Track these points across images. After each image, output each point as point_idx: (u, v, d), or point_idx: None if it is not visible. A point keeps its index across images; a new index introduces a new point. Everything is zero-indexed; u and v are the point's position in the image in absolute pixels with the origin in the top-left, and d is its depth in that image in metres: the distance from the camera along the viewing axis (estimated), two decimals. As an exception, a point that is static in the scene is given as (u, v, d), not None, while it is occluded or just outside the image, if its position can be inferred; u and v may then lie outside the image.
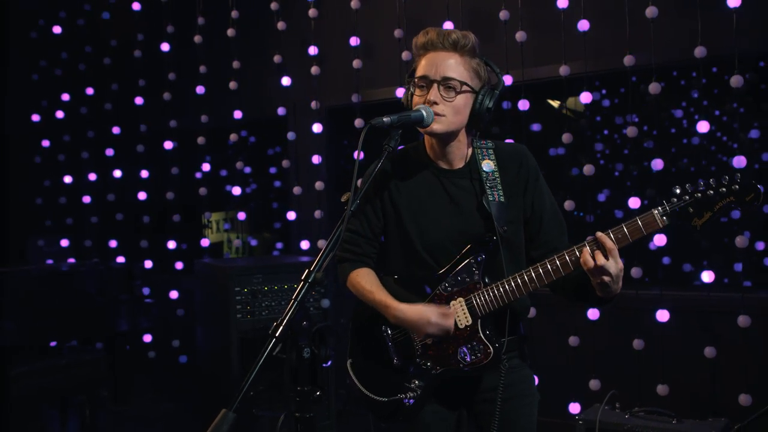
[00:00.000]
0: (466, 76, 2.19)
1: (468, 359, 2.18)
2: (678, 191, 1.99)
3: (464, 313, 2.19)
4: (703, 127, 3.98)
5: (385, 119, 2.03)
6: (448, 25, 4.70)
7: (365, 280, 2.33)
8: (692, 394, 4.16)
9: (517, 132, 4.58)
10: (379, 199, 2.35)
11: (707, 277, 3.96)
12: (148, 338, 6.11)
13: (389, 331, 2.30)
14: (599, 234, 2.02)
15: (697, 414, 3.75)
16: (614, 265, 1.99)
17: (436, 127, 2.17)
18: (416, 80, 2.21)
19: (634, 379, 4.13)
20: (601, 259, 1.98)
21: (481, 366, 2.17)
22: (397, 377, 2.27)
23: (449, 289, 2.22)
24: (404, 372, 2.26)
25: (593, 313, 4.21)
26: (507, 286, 2.14)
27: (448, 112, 2.17)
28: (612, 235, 2.01)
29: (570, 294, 2.24)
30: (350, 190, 1.91)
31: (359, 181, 2.10)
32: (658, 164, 4.07)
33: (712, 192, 1.96)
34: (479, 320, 2.18)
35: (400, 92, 4.95)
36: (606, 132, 5.10)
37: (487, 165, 2.26)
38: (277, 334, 1.68)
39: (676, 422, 3.64)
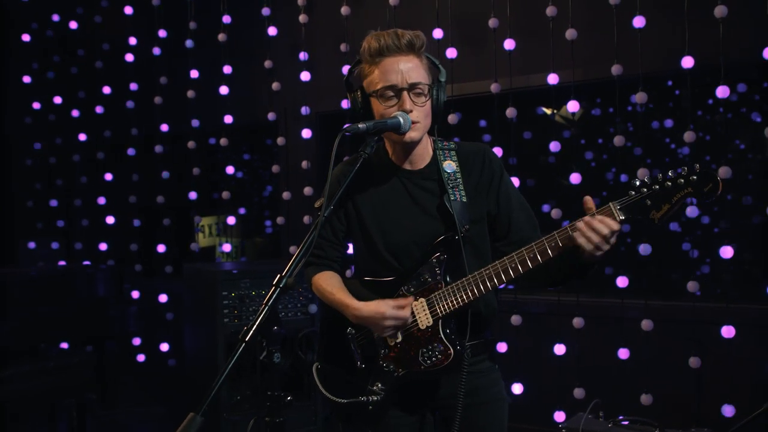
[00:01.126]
0: (427, 77, 2.19)
1: (428, 361, 2.16)
2: (637, 184, 1.95)
3: (425, 314, 2.17)
4: (689, 136, 3.99)
5: (360, 126, 2.03)
6: (437, 33, 4.72)
7: (327, 283, 2.33)
8: (676, 404, 4.16)
9: (506, 140, 4.59)
10: (341, 204, 2.34)
11: (692, 287, 3.97)
12: (137, 341, 6.11)
13: (353, 332, 2.30)
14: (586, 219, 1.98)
15: (681, 424, 3.75)
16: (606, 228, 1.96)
17: (414, 135, 2.17)
18: (380, 91, 2.16)
19: (618, 388, 4.14)
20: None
21: (442, 368, 2.14)
22: (360, 380, 2.26)
23: (412, 290, 2.21)
24: (367, 374, 2.25)
25: (579, 322, 4.21)
26: (467, 285, 2.12)
27: (421, 118, 2.17)
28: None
29: (542, 278, 2.19)
30: (323, 196, 1.92)
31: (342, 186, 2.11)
32: (644, 173, 4.08)
33: (669, 184, 1.90)
34: (440, 321, 2.16)
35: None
36: (600, 141, 5.13)
37: (449, 166, 2.25)
38: (246, 339, 1.68)
39: None
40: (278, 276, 1.77)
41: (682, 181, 1.88)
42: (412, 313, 2.18)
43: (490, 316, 2.30)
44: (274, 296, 1.74)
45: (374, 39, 2.18)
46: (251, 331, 1.69)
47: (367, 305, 2.18)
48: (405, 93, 2.14)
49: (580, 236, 1.95)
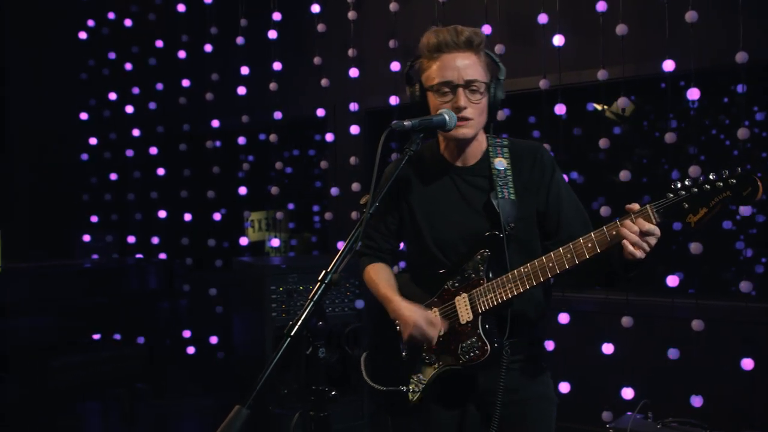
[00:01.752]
0: (484, 75, 2.20)
1: (466, 356, 2.17)
2: (677, 186, 1.89)
3: (467, 310, 2.19)
4: (743, 133, 3.91)
5: (406, 123, 2.04)
6: (486, 29, 4.70)
7: (377, 275, 2.41)
8: (728, 407, 4.08)
9: (555, 137, 4.55)
10: (394, 198, 2.38)
11: (745, 286, 3.88)
12: (187, 334, 6.22)
13: (398, 328, 2.32)
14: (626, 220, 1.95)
15: (732, 427, 3.68)
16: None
17: (467, 131, 2.19)
18: (436, 86, 2.18)
19: (668, 389, 4.07)
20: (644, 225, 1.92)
21: (479, 363, 2.15)
22: (404, 370, 2.29)
23: (456, 285, 2.23)
24: (411, 365, 2.28)
25: (627, 321, 4.15)
26: (507, 282, 2.12)
27: (475, 115, 2.18)
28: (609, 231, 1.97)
29: (585, 278, 2.24)
30: (369, 193, 1.93)
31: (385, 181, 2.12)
32: (696, 171, 4.01)
33: (708, 186, 1.84)
34: (480, 317, 2.16)
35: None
36: (656, 134, 5.05)
37: (500, 163, 2.25)
38: (292, 333, 1.71)
39: (709, 434, 3.58)
40: (324, 272, 1.79)
41: (721, 184, 1.82)
42: (454, 308, 2.21)
43: (536, 314, 2.28)
44: (320, 292, 1.77)
45: (433, 35, 2.19)
46: (297, 326, 1.72)
47: (407, 307, 2.24)
48: (460, 89, 2.15)
49: (626, 242, 1.92)
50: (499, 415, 2.18)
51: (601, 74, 4.29)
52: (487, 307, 2.15)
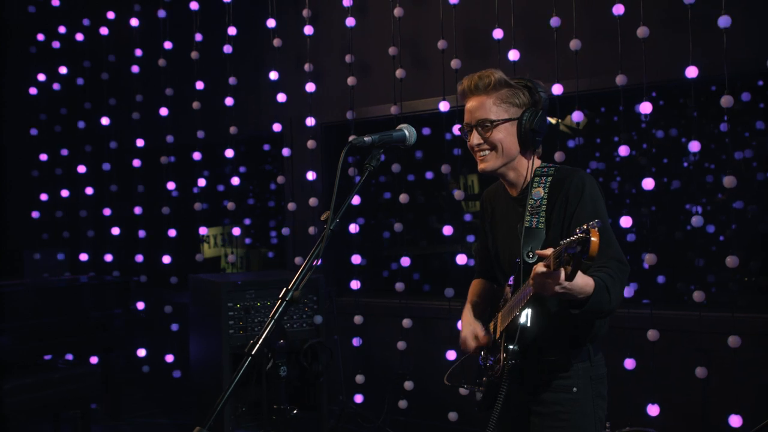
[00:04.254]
0: (498, 111, 2.38)
1: (495, 368, 2.40)
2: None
3: (496, 327, 2.47)
4: (694, 146, 3.99)
5: (366, 138, 2.05)
6: (441, 44, 4.74)
7: (471, 289, 2.78)
8: (683, 414, 4.14)
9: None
10: (482, 224, 2.74)
11: (698, 296, 3.95)
12: (142, 353, 6.11)
13: None
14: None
15: (688, 434, 3.74)
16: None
17: (484, 165, 2.42)
18: (462, 130, 2.48)
19: (625, 398, 4.12)
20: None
21: (500, 375, 2.32)
22: (480, 372, 2.59)
23: (501, 303, 2.50)
24: (482, 368, 2.58)
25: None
26: (509, 306, 2.35)
27: (488, 149, 2.40)
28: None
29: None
30: (330, 210, 1.92)
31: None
32: (649, 183, 4.09)
33: (572, 238, 1.86)
34: (503, 335, 2.38)
35: (394, 109, 4.97)
36: (599, 151, 5.13)
37: (537, 193, 2.41)
38: (253, 352, 1.68)
39: (666, 442, 3.63)
40: (284, 289, 1.77)
41: (575, 238, 1.83)
42: (495, 324, 2.50)
43: (554, 336, 2.36)
44: (280, 310, 1.75)
45: (459, 84, 2.47)
46: (257, 345, 1.69)
47: (464, 318, 2.63)
48: (474, 129, 2.41)
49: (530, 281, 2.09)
50: (527, 422, 2.43)
51: (557, 88, 4.35)
52: (502, 328, 2.38)
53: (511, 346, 2.29)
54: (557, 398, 2.37)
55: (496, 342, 2.44)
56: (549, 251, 1.97)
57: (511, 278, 2.42)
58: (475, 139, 2.39)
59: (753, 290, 4.55)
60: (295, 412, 1.75)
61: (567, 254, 1.86)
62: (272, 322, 1.73)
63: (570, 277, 1.91)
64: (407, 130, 2.14)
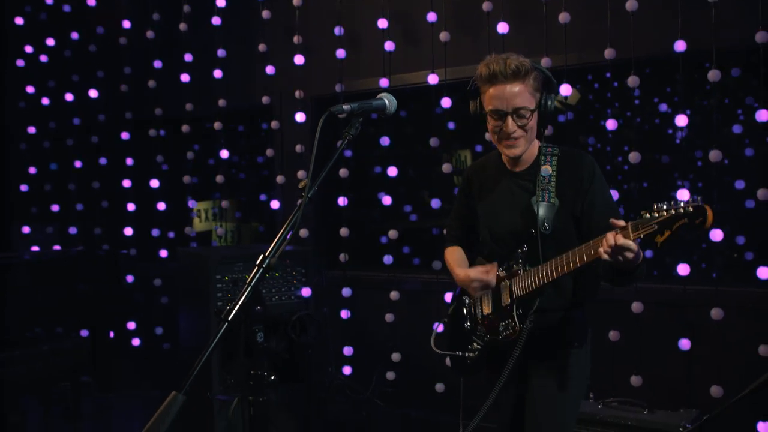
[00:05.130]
0: (531, 100, 2.50)
1: (504, 333, 2.56)
2: (652, 208, 2.14)
3: (507, 294, 2.57)
4: (681, 120, 4.00)
5: (345, 107, 2.06)
6: (431, 17, 4.72)
7: (449, 254, 2.89)
8: (666, 386, 4.18)
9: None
10: (466, 196, 2.83)
11: (683, 270, 3.98)
12: (131, 326, 6.13)
13: (467, 301, 2.80)
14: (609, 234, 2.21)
15: (670, 405, 3.78)
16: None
17: (515, 151, 2.55)
18: (489, 112, 2.53)
19: (609, 370, 4.16)
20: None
21: (512, 341, 2.50)
22: (465, 338, 2.74)
23: (503, 273, 2.62)
24: (469, 335, 2.73)
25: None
26: (534, 274, 2.46)
27: (522, 135, 2.52)
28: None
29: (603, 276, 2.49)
30: (308, 177, 1.92)
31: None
32: (635, 157, 4.09)
33: (673, 212, 2.08)
34: (516, 301, 2.53)
35: (383, 82, 4.96)
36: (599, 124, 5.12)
37: (546, 170, 2.56)
38: (229, 318, 1.70)
39: (648, 413, 3.66)
40: (261, 256, 1.78)
41: (682, 211, 2.06)
42: (500, 289, 2.60)
43: (565, 304, 2.59)
44: (257, 276, 1.76)
45: (485, 67, 2.51)
46: (233, 311, 1.70)
47: (462, 271, 2.70)
48: (509, 117, 2.48)
49: (601, 251, 2.21)
50: (531, 384, 2.62)
51: (545, 62, 4.33)
52: (520, 294, 2.52)
53: (522, 311, 2.50)
54: (560, 354, 2.59)
55: (503, 309, 2.58)
56: (621, 222, 2.16)
57: (519, 249, 2.57)
58: (511, 126, 2.48)
59: (738, 265, 4.58)
60: (273, 378, 1.77)
61: (667, 225, 2.05)
62: (249, 289, 1.74)
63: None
64: (387, 99, 2.14)
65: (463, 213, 2.89)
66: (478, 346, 2.66)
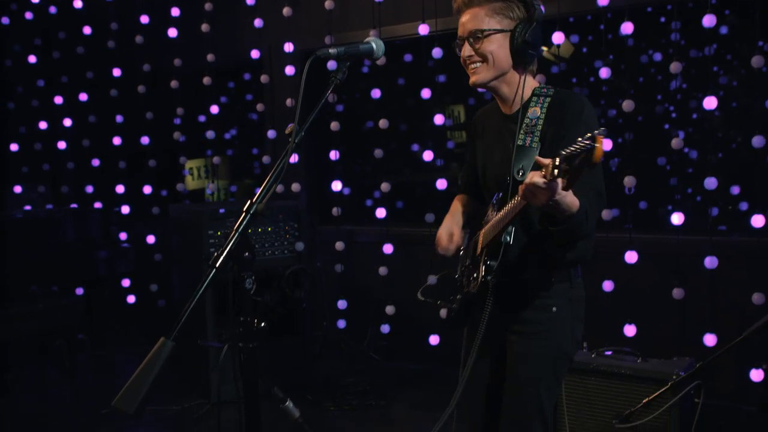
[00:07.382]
0: (491, 22, 2.32)
1: (471, 285, 2.38)
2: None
3: (479, 243, 2.42)
4: (675, 67, 3.95)
5: (331, 50, 2.00)
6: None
7: (454, 204, 2.72)
8: (659, 335, 4.21)
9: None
10: (472, 143, 2.66)
11: (677, 219, 3.97)
12: (126, 283, 6.13)
13: (461, 251, 2.62)
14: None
15: (664, 354, 3.80)
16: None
17: (476, 78, 2.37)
18: (455, 44, 2.41)
19: (603, 319, 4.17)
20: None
21: (476, 294, 2.33)
22: (454, 289, 2.59)
23: (484, 222, 2.45)
24: (457, 285, 2.57)
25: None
26: (497, 220, 2.26)
27: (479, 61, 2.34)
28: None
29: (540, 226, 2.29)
30: (294, 123, 1.89)
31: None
32: (629, 105, 4.05)
33: (574, 147, 1.78)
34: (484, 251, 2.34)
35: (373, 34, 4.89)
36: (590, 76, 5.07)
37: (533, 112, 2.36)
38: (217, 265, 1.68)
39: (642, 361, 3.68)
40: (248, 202, 1.76)
41: (580, 146, 1.76)
42: (477, 240, 2.44)
43: (534, 257, 2.35)
44: (244, 222, 1.74)
45: (454, 1, 2.41)
46: (221, 257, 1.69)
47: (445, 221, 2.60)
48: (465, 42, 2.36)
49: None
50: (505, 340, 2.43)
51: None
52: (485, 244, 2.34)
53: (489, 262, 2.28)
54: (537, 317, 2.36)
55: (476, 258, 2.40)
56: (548, 160, 1.86)
57: (495, 196, 2.39)
58: (466, 50, 2.35)
59: (733, 215, 4.58)
60: (262, 324, 1.76)
61: (566, 164, 1.78)
62: (236, 235, 1.72)
63: (567, 187, 1.84)
64: (374, 43, 2.08)
65: (469, 161, 2.72)
66: (459, 298, 2.50)
